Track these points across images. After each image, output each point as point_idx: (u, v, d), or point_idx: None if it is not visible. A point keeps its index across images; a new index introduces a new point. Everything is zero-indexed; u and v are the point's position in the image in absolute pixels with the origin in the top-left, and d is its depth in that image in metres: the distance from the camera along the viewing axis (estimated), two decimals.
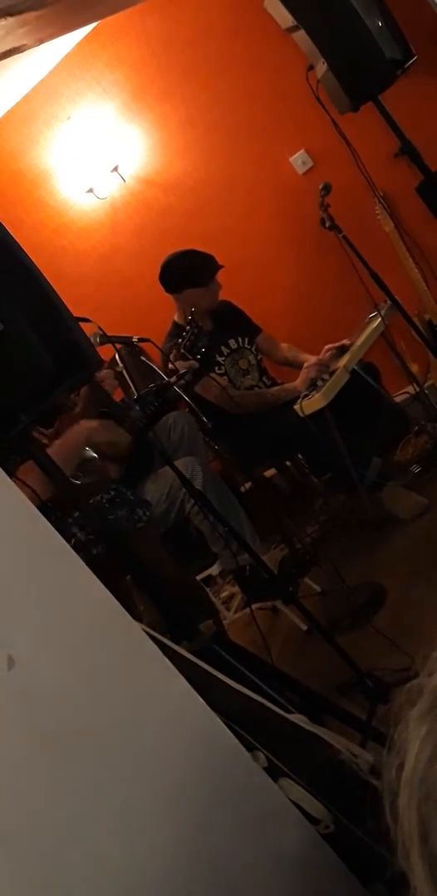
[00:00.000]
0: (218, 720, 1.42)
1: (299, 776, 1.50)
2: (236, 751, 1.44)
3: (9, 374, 1.55)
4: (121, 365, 3.64)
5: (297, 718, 1.77)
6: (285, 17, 3.71)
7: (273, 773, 1.50)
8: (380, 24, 3.61)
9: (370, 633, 2.91)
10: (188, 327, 3.33)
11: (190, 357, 3.24)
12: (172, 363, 3.18)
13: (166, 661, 1.41)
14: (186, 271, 3.88)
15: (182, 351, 3.22)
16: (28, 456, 2.05)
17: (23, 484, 1.91)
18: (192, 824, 1.31)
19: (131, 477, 3.31)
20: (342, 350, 3.80)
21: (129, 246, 4.84)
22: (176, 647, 1.72)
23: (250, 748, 1.48)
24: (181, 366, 3.17)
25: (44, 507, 2.07)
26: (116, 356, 3.59)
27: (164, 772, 1.31)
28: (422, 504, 3.62)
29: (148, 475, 3.39)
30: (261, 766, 1.48)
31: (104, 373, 3.00)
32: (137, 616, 1.90)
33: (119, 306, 4.72)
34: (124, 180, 4.71)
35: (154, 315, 4.13)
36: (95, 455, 3.03)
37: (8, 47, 2.32)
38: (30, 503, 1.33)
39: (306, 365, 3.83)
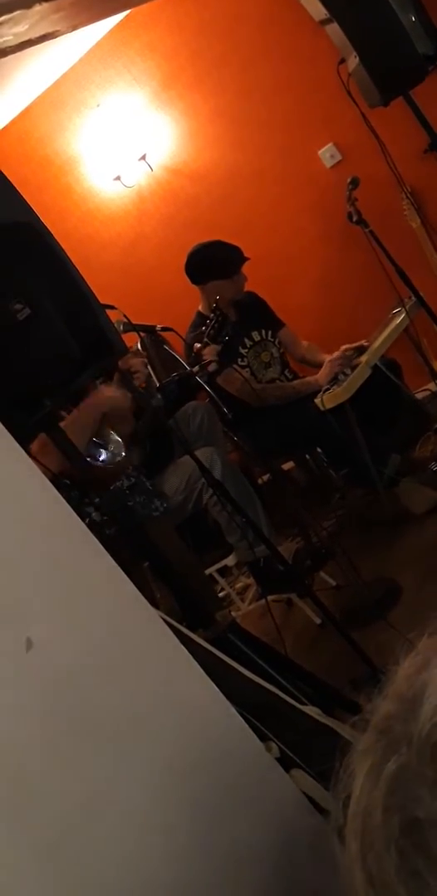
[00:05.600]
0: (232, 709, 1.43)
1: (310, 767, 1.51)
2: (250, 740, 1.45)
3: (35, 359, 1.56)
4: (143, 353, 3.65)
5: (310, 710, 1.78)
6: (318, 10, 3.71)
7: (285, 763, 1.51)
8: (413, 19, 3.59)
9: (384, 629, 2.91)
10: (212, 315, 3.33)
11: (213, 344, 3.25)
12: (197, 353, 3.19)
13: (182, 648, 1.42)
14: (211, 263, 3.88)
15: (205, 339, 3.23)
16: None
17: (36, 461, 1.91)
18: (202, 810, 1.33)
19: (152, 465, 3.33)
20: (360, 351, 3.80)
21: (154, 235, 4.85)
22: (192, 635, 1.74)
23: (263, 738, 1.49)
24: (208, 353, 3.18)
25: (61, 485, 2.08)
26: (139, 344, 3.61)
27: (176, 758, 1.33)
28: (434, 499, 3.61)
29: (168, 464, 3.40)
30: (274, 756, 1.49)
31: (135, 361, 3.01)
32: (153, 603, 1.91)
33: (143, 295, 4.73)
34: (152, 169, 4.72)
35: (178, 305, 4.14)
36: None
37: (42, 32, 2.33)
38: (51, 485, 1.34)
39: (329, 359, 3.83)
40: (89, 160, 4.77)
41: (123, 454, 2.81)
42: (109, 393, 2.85)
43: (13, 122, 4.73)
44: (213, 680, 1.43)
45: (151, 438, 3.28)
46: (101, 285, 2.09)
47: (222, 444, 3.64)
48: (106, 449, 2.83)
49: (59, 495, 1.31)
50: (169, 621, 1.52)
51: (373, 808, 0.62)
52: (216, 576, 3.64)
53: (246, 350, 4.00)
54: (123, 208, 4.86)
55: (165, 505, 3.14)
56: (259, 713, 1.52)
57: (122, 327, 2.68)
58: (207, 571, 3.57)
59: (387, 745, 0.64)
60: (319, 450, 4.19)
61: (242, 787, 1.40)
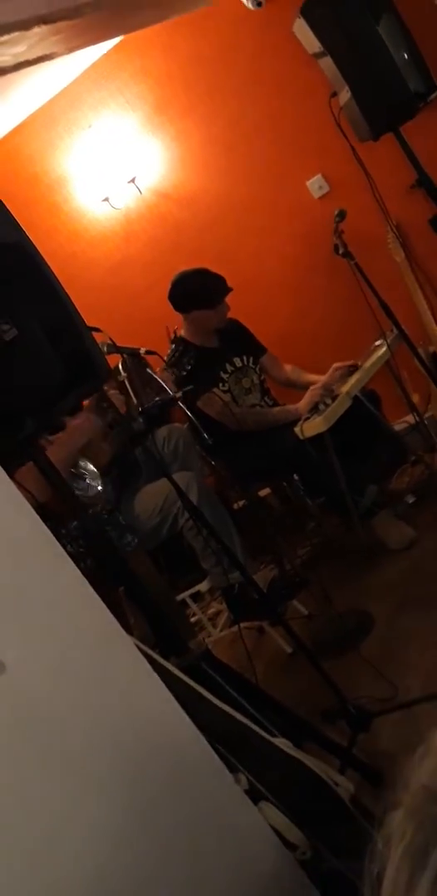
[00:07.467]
0: (203, 739, 1.43)
1: (279, 801, 1.51)
2: (219, 771, 1.45)
3: (20, 380, 1.56)
4: (124, 374, 3.66)
5: (280, 742, 1.78)
6: (312, 43, 3.75)
7: (254, 796, 1.51)
8: (406, 56, 3.65)
9: (356, 660, 2.92)
10: (173, 346, 3.39)
11: (176, 373, 3.27)
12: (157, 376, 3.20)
13: (155, 675, 1.42)
14: (195, 292, 3.89)
15: (165, 368, 3.25)
16: (28, 459, 2.06)
17: (20, 486, 1.92)
18: (169, 839, 1.32)
19: (119, 489, 3.33)
20: (351, 370, 3.82)
21: (141, 257, 4.86)
22: (164, 663, 1.73)
23: (232, 769, 1.49)
24: (166, 378, 3.19)
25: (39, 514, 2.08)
26: (120, 365, 3.61)
27: (144, 785, 1.32)
28: (410, 536, 3.64)
29: (134, 491, 3.40)
30: (242, 788, 1.49)
31: (112, 392, 3.02)
32: (127, 629, 1.91)
33: (127, 316, 4.73)
34: (141, 192, 4.73)
35: (162, 326, 4.15)
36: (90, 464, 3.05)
37: (39, 54, 2.34)
38: (31, 509, 1.34)
39: (311, 388, 3.84)
40: (79, 180, 4.78)
41: (99, 486, 2.83)
42: (89, 422, 2.88)
43: (4, 139, 4.74)
44: (184, 708, 1.43)
45: (119, 462, 3.29)
46: (85, 304, 2.10)
47: (197, 468, 3.64)
48: (83, 479, 2.85)
49: (38, 519, 1.31)
50: (143, 648, 1.52)
51: None
52: (189, 601, 3.63)
53: (227, 375, 4.01)
54: (110, 229, 4.87)
55: (136, 540, 3.15)
56: (229, 744, 1.52)
57: (106, 349, 2.68)
58: (180, 596, 3.57)
59: (430, 833, 0.54)
60: (296, 477, 4.21)
61: (210, 817, 1.40)
